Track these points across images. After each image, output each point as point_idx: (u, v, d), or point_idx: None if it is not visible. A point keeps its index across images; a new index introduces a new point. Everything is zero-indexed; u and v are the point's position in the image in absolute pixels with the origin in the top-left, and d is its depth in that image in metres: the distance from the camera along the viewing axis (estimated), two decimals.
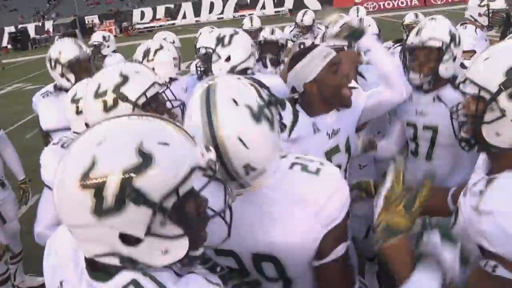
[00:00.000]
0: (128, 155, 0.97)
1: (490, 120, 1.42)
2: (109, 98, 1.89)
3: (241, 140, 1.29)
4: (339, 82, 2.18)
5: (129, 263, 1.04)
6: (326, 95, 2.19)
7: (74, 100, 2.38)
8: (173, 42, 5.14)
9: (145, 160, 0.97)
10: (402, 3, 34.15)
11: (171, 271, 1.09)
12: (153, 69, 3.07)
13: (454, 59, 2.63)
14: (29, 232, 2.43)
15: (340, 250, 1.37)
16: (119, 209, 0.96)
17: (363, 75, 3.27)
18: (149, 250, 1.03)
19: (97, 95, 1.90)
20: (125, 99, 1.90)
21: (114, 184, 0.94)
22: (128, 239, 1.00)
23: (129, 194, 0.95)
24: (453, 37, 2.64)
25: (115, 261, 1.04)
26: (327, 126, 2.27)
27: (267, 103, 1.35)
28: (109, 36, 5.60)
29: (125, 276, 1.05)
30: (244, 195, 1.39)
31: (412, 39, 2.73)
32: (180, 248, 1.07)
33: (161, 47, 3.43)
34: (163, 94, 2.10)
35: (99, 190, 0.94)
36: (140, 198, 0.96)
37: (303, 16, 6.67)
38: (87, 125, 2.11)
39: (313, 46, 2.29)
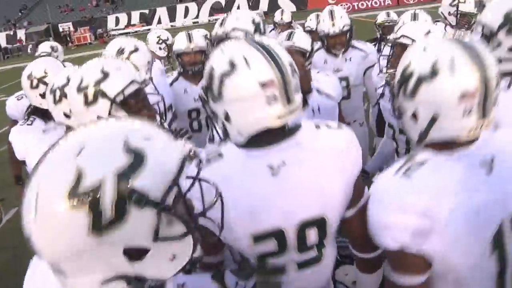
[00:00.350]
0: (116, 156, 0.87)
1: None
2: (90, 93, 1.92)
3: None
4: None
5: (137, 283, 0.93)
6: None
7: (52, 91, 2.33)
8: (167, 39, 5.13)
9: (136, 157, 0.88)
10: (376, 3, 34.64)
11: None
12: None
13: None
14: (5, 248, 2.38)
15: (366, 194, 1.59)
16: (121, 219, 0.85)
17: None
18: (157, 260, 0.93)
19: (79, 89, 1.94)
20: (104, 95, 1.92)
21: (111, 190, 0.84)
22: (133, 254, 0.90)
23: (129, 197, 0.85)
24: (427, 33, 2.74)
25: (120, 286, 0.93)
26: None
27: None
28: (57, 46, 5.34)
29: None
30: (286, 166, 1.49)
31: (393, 35, 2.89)
32: (186, 249, 0.99)
33: (136, 49, 3.32)
34: (144, 91, 2.11)
35: (94, 203, 0.83)
36: (142, 199, 0.86)
37: (282, 15, 6.67)
38: (66, 115, 2.22)
39: None
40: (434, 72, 1.34)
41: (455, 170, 1.37)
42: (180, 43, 3.90)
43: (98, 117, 1.88)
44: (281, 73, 1.41)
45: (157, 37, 5.21)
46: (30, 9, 48.97)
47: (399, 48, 2.70)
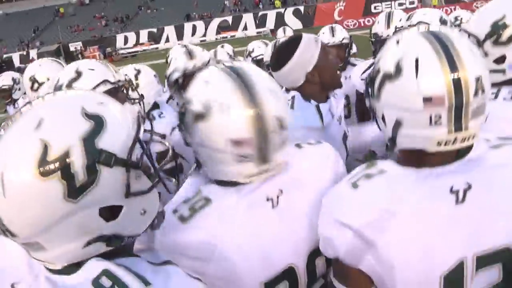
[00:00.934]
0: (77, 123, 0.91)
1: None
2: None
3: (272, 91, 1.30)
4: (334, 64, 2.17)
5: (115, 241, 0.98)
6: (326, 80, 2.11)
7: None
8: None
9: (96, 121, 0.93)
10: None
11: (146, 261, 1.03)
12: (142, 95, 3.04)
13: None
14: None
15: None
16: (94, 181, 0.90)
17: None
18: (130, 216, 0.98)
19: (55, 88, 1.99)
20: None
21: (79, 155, 0.88)
22: (108, 214, 0.94)
23: (98, 158, 0.89)
24: (443, 23, 2.76)
25: (100, 248, 0.97)
26: (335, 112, 2.23)
27: None
28: (19, 78, 5.09)
29: (93, 266, 0.96)
30: (283, 194, 1.36)
31: (407, 22, 2.87)
32: (153, 203, 1.06)
33: (139, 71, 3.28)
34: (121, 93, 2.11)
35: (65, 170, 0.87)
36: (111, 158, 0.91)
37: (284, 32, 6.83)
38: None
39: (295, 37, 2.18)
40: (398, 71, 1.16)
41: (414, 189, 1.19)
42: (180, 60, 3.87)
43: None
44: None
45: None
46: (42, 29, 49.87)
47: None
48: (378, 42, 3.57)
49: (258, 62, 4.69)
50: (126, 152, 0.95)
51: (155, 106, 3.22)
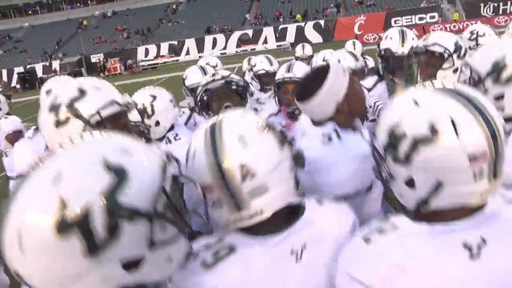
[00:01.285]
0: (98, 176, 0.87)
1: None
2: (62, 112, 1.71)
3: (242, 137, 1.29)
4: (361, 92, 2.13)
5: None
6: (355, 108, 2.06)
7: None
8: (216, 66, 5.01)
9: (118, 173, 0.88)
10: None
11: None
12: (157, 122, 3.06)
13: (455, 70, 2.69)
14: None
15: None
16: (114, 236, 0.85)
17: None
18: (154, 265, 0.93)
19: (52, 107, 1.73)
20: (78, 115, 1.71)
21: (99, 212, 0.84)
22: (130, 264, 0.90)
23: (119, 214, 0.85)
24: (458, 48, 2.78)
25: None
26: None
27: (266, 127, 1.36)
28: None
29: None
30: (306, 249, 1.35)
31: (419, 43, 2.92)
32: (180, 249, 1.01)
33: (154, 98, 3.17)
34: (127, 117, 1.91)
35: (84, 227, 0.83)
36: (133, 213, 0.87)
37: (303, 49, 6.77)
38: None
39: (322, 67, 2.12)
40: (434, 133, 1.12)
41: (426, 245, 1.16)
42: (194, 76, 3.87)
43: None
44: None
45: (206, 63, 5.08)
46: (66, 41, 50.92)
47: (429, 56, 2.75)
48: (392, 58, 3.52)
49: (260, 78, 4.68)
50: (150, 203, 0.90)
51: (170, 127, 3.18)
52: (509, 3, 34.67)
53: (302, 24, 40.91)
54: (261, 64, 4.74)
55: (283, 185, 1.34)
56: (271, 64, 4.74)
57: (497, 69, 1.83)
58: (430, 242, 1.15)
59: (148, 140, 3.18)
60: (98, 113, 1.73)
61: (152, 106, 3.08)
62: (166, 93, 3.27)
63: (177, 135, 3.12)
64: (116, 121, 1.79)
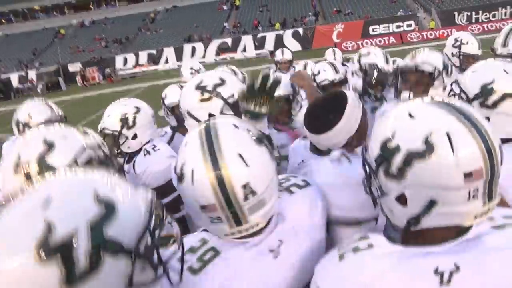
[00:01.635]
0: (88, 207, 0.86)
1: None
2: (33, 171, 1.56)
3: (240, 156, 1.30)
4: (367, 123, 2.03)
5: None
6: (361, 140, 1.98)
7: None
8: (199, 69, 5.03)
9: (107, 206, 0.87)
10: (380, 41, 35.15)
11: None
12: (135, 135, 3.02)
13: (444, 88, 2.76)
14: None
15: None
16: (95, 269, 0.82)
17: None
18: None
19: (18, 168, 1.57)
20: (52, 170, 1.55)
21: (84, 241, 0.81)
22: None
23: (104, 246, 0.83)
24: (445, 66, 2.88)
25: None
26: None
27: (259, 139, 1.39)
28: None
29: None
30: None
31: (407, 61, 2.95)
32: None
33: (138, 110, 3.12)
34: (99, 156, 1.76)
35: (66, 254, 0.79)
36: (117, 248, 0.85)
37: (282, 54, 6.81)
38: None
39: (338, 96, 1.99)
40: (429, 148, 1.07)
41: (397, 267, 1.12)
42: (174, 95, 3.71)
43: None
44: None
45: (190, 68, 5.23)
46: (42, 51, 50.20)
47: (420, 75, 2.82)
48: (377, 72, 3.68)
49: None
50: (134, 242, 0.89)
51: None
52: (480, 12, 36.11)
53: (281, 32, 41.14)
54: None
55: (274, 195, 1.40)
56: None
57: (484, 93, 1.85)
58: (402, 264, 1.12)
59: (120, 151, 3.11)
60: (76, 162, 1.63)
61: (134, 117, 3.04)
62: (149, 108, 3.23)
63: (155, 146, 3.08)
64: (90, 166, 1.69)
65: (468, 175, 1.06)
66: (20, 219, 0.83)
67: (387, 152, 1.13)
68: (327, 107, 1.96)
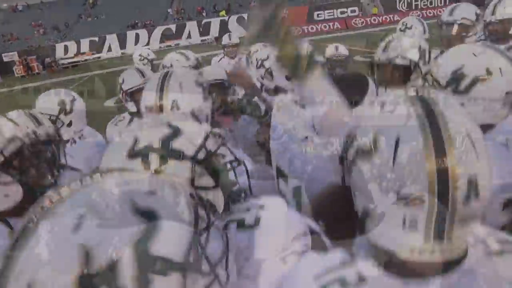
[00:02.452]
0: (127, 222, 0.74)
1: None
2: None
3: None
4: None
5: None
6: None
7: None
8: (148, 55, 5.77)
9: (149, 218, 0.76)
10: (325, 27, 35.59)
11: None
12: (70, 122, 3.07)
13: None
14: None
15: None
16: None
17: None
18: None
19: None
20: None
21: (129, 265, 0.70)
22: None
23: (152, 268, 0.72)
24: (422, 55, 2.75)
25: None
26: None
27: None
28: None
29: None
30: None
31: (379, 55, 2.83)
32: None
33: (75, 98, 3.19)
34: (29, 147, 1.72)
35: (109, 282, 0.69)
36: (166, 266, 0.73)
37: (229, 38, 6.79)
38: None
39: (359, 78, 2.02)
40: (375, 148, 0.92)
41: None
42: (132, 80, 3.58)
43: None
44: None
45: (139, 55, 5.64)
46: None
47: (394, 69, 2.70)
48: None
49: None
50: (183, 253, 0.77)
51: None
52: None
53: (226, 18, 40.79)
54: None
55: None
56: None
57: (455, 79, 1.82)
58: None
59: (60, 138, 3.09)
60: (1, 153, 1.60)
61: (72, 104, 3.10)
62: (82, 101, 3.32)
63: (82, 135, 3.15)
64: (20, 156, 1.66)
65: (404, 199, 0.88)
66: (52, 246, 0.71)
67: (347, 141, 1.02)
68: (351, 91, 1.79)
